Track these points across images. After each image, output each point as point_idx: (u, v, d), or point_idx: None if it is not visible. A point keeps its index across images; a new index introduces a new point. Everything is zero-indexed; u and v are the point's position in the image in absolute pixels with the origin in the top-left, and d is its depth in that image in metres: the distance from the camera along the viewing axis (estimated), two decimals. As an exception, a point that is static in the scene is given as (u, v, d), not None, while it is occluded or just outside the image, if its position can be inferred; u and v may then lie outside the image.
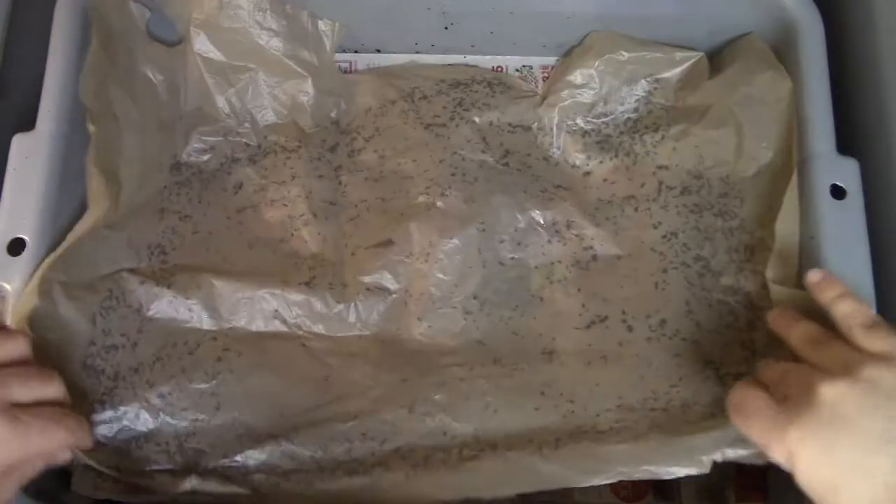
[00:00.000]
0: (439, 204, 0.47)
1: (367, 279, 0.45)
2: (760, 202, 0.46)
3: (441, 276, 0.45)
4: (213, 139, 0.49)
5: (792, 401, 0.33)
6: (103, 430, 0.42)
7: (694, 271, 0.46)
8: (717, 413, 0.42)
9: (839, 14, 0.48)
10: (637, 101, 0.49)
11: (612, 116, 0.49)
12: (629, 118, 0.49)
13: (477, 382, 0.43)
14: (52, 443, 0.36)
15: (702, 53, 0.49)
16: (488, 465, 0.41)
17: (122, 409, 0.42)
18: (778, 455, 0.33)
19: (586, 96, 0.49)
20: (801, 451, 0.32)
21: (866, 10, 0.46)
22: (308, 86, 0.49)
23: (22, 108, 0.44)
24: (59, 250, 0.42)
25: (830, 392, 0.32)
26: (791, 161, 0.44)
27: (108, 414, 0.42)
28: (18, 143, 0.42)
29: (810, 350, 0.35)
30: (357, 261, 0.46)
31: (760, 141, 0.46)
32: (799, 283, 0.41)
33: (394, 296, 0.45)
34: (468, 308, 0.45)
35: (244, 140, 0.49)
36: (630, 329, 0.45)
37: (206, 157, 0.49)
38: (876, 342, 0.33)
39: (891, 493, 0.30)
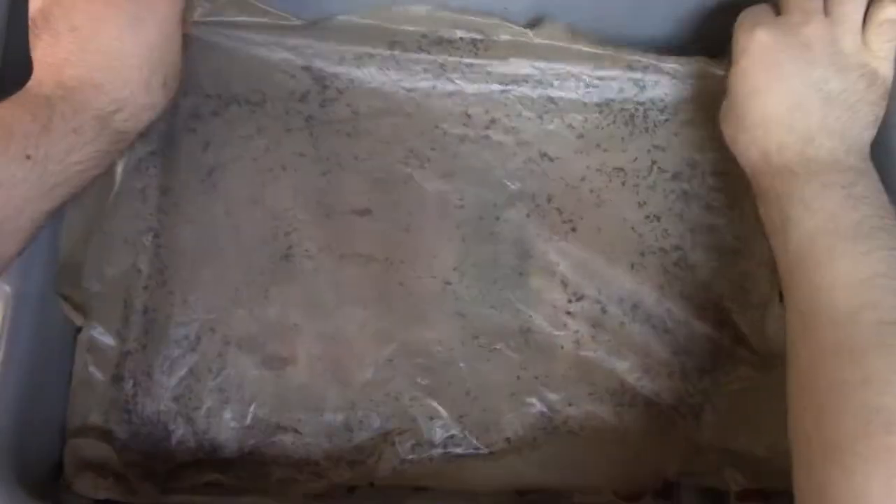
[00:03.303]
0: (418, 176, 0.46)
1: (344, 248, 0.45)
2: (748, 205, 0.45)
3: (420, 247, 0.45)
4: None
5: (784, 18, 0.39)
6: (131, 437, 0.43)
7: (671, 259, 0.46)
8: (676, 419, 0.44)
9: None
10: (645, 68, 0.46)
11: (617, 80, 0.46)
12: (636, 84, 0.46)
13: (457, 367, 0.44)
14: None
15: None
16: (472, 465, 0.43)
17: (146, 415, 0.43)
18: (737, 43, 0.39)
19: (590, 54, 0.46)
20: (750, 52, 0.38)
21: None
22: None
23: (22, 108, 0.44)
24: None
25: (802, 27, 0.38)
26: None
27: (135, 420, 0.43)
28: (18, 143, 0.42)
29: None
30: (333, 224, 0.45)
31: None
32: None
33: (373, 264, 0.45)
34: (448, 279, 0.45)
35: (205, 92, 0.46)
36: (604, 311, 0.45)
37: (168, 117, 0.46)
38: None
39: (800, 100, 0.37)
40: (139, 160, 0.46)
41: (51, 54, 0.37)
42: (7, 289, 0.40)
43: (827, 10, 0.38)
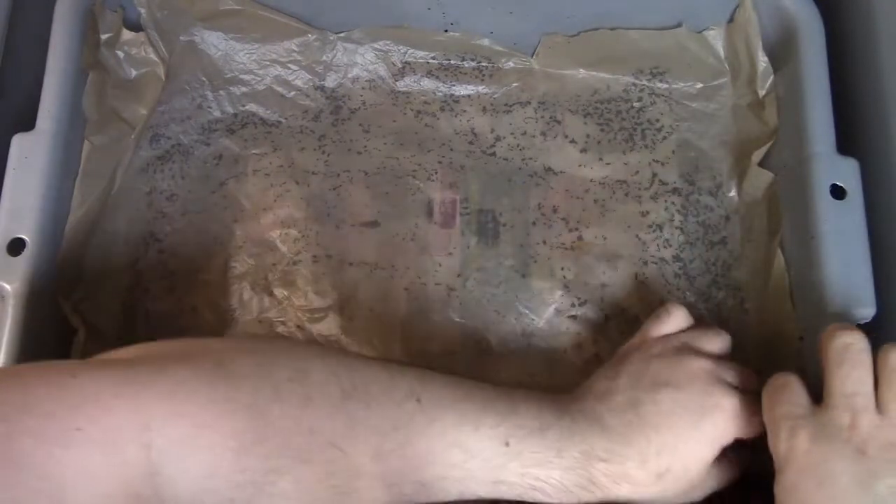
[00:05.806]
0: (424, 187, 0.47)
1: (352, 257, 0.46)
2: (743, 224, 0.46)
3: (425, 255, 0.46)
4: (189, 108, 0.49)
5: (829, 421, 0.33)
6: None
7: (671, 270, 0.46)
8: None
9: (839, 14, 0.47)
10: (641, 91, 0.49)
11: (614, 102, 0.49)
12: (633, 107, 0.49)
13: (459, 370, 0.43)
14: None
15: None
16: None
17: None
18: (777, 446, 0.34)
19: (589, 79, 0.49)
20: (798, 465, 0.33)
21: (866, 10, 0.46)
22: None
23: (22, 108, 0.44)
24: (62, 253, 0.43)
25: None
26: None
27: None
28: (18, 143, 0.42)
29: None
30: (341, 235, 0.46)
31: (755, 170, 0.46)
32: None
33: (378, 271, 0.46)
34: (452, 285, 0.46)
35: (222, 108, 0.49)
36: (606, 318, 0.45)
37: (181, 127, 0.48)
38: None
39: None
40: (147, 164, 0.47)
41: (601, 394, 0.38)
42: (7, 288, 0.40)
43: (881, 405, 0.33)
